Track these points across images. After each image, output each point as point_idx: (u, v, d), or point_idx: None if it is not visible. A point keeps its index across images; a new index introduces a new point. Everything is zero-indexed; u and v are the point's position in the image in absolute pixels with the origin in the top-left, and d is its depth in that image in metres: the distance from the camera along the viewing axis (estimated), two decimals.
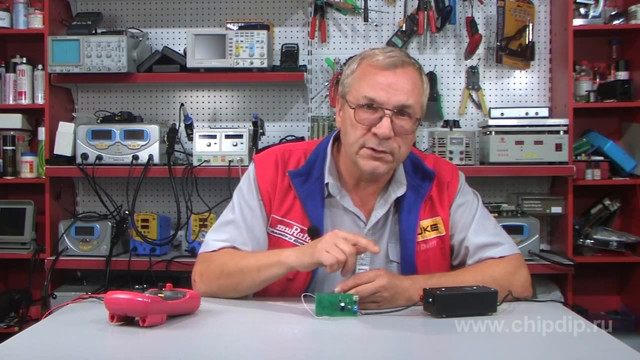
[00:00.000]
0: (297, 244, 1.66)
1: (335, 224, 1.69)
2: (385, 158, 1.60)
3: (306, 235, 1.65)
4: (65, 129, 3.12)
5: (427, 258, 1.68)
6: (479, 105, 3.36)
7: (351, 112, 1.60)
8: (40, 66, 3.28)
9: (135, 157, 3.01)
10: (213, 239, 1.71)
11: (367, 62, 1.62)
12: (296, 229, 1.68)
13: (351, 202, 1.70)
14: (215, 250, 1.68)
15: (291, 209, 1.69)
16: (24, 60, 3.33)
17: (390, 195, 1.69)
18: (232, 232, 1.69)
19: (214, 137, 3.07)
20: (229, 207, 1.76)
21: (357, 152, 1.61)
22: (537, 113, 3.11)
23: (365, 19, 3.30)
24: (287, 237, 1.68)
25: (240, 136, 3.06)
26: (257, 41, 3.05)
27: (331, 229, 1.60)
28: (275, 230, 1.70)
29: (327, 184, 1.68)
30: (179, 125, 3.18)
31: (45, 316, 1.50)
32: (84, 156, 3.03)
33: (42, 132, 3.24)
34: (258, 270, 1.58)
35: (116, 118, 3.16)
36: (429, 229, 1.70)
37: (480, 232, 1.71)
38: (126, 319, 1.38)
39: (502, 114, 3.12)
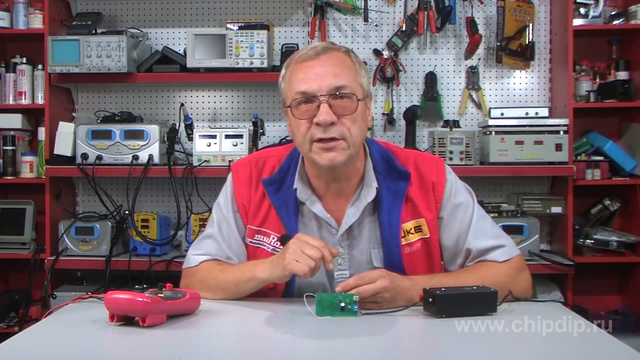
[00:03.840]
0: (275, 252, 1.64)
1: (309, 231, 1.66)
2: (338, 146, 1.56)
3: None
4: (65, 129, 3.12)
5: (413, 261, 1.65)
6: (479, 105, 3.36)
7: (290, 113, 1.60)
8: (40, 66, 3.28)
9: (135, 157, 3.01)
10: (193, 254, 1.74)
11: (293, 62, 1.63)
12: (273, 238, 1.67)
13: (322, 208, 1.66)
14: (196, 265, 1.71)
15: (267, 218, 1.68)
16: (24, 60, 3.33)
17: (362, 200, 1.65)
18: (211, 247, 1.72)
19: (214, 137, 3.07)
20: (209, 221, 1.78)
21: (310, 149, 1.58)
22: (537, 113, 3.11)
23: (365, 19, 3.30)
24: (265, 246, 1.68)
25: (240, 136, 3.06)
26: (257, 41, 3.05)
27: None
28: (253, 241, 1.70)
29: (296, 189, 1.66)
30: (179, 125, 3.17)
31: (45, 316, 1.50)
32: (84, 156, 3.03)
33: (42, 132, 3.24)
34: (235, 285, 1.61)
35: (116, 118, 3.16)
36: (412, 231, 1.65)
37: (480, 235, 1.67)
38: (126, 319, 1.38)
39: (502, 114, 3.12)
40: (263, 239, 1.68)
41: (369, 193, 1.65)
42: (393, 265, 1.63)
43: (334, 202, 1.67)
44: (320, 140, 1.56)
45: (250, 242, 1.71)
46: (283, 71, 1.66)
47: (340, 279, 1.64)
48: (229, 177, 1.76)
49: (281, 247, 1.62)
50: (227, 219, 1.72)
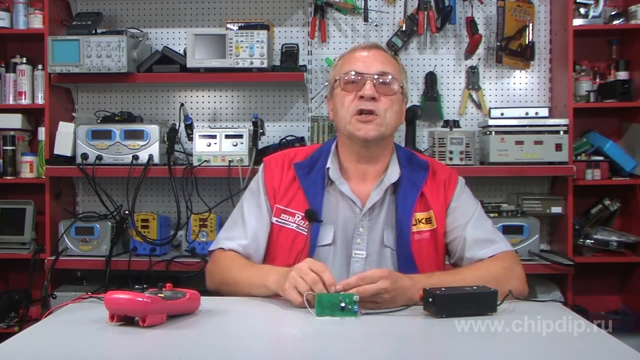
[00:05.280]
0: (299, 230, 1.79)
1: (333, 209, 1.81)
2: (375, 121, 1.75)
3: (307, 222, 1.78)
4: (65, 129, 3.12)
5: (421, 247, 1.78)
6: (479, 105, 3.36)
7: (339, 90, 1.80)
8: (40, 66, 3.28)
9: (135, 157, 3.01)
10: (222, 238, 1.87)
11: (346, 54, 1.87)
12: (298, 217, 1.80)
13: (349, 188, 1.81)
14: (223, 249, 1.83)
15: (294, 199, 1.82)
16: (24, 60, 3.33)
17: (385, 182, 1.81)
18: (238, 231, 1.85)
19: (214, 137, 3.07)
20: (239, 205, 1.92)
21: (350, 121, 1.76)
22: (537, 113, 3.11)
23: (365, 19, 3.30)
24: (289, 225, 1.80)
25: (240, 136, 3.06)
26: (257, 41, 3.05)
27: (328, 215, 1.79)
28: (279, 220, 1.82)
29: (329, 168, 1.82)
30: (179, 125, 3.17)
31: (45, 316, 1.50)
32: (84, 156, 3.03)
33: (42, 132, 3.24)
34: (249, 287, 1.69)
35: (116, 118, 3.16)
36: (423, 221, 1.80)
37: (477, 228, 1.81)
38: (126, 319, 1.38)
39: (502, 114, 3.12)
40: (288, 218, 1.81)
41: (392, 175, 1.81)
42: (403, 247, 1.76)
43: (359, 184, 1.83)
44: (361, 112, 1.74)
45: (277, 221, 1.82)
46: (335, 62, 1.88)
47: (358, 257, 1.77)
48: (260, 167, 1.92)
49: (305, 225, 1.77)
50: (258, 202, 1.86)
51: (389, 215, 1.80)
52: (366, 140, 1.76)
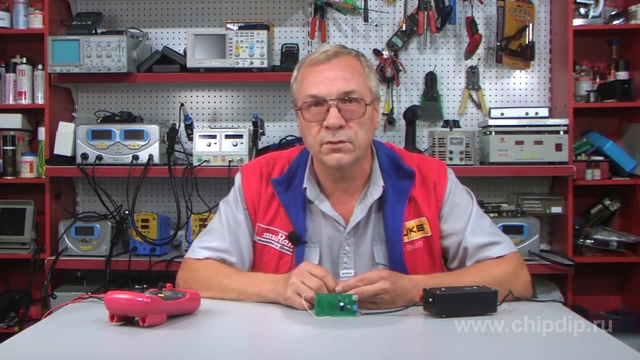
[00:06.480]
0: (283, 250, 1.70)
1: (317, 227, 1.72)
2: (344, 148, 1.61)
3: (291, 243, 1.69)
4: (65, 129, 3.12)
5: (415, 258, 1.69)
6: (479, 105, 3.36)
7: (301, 118, 1.66)
8: (40, 66, 3.28)
9: (135, 157, 3.01)
10: (198, 247, 1.76)
11: (304, 65, 1.68)
12: (281, 236, 1.71)
13: (330, 206, 1.71)
14: (199, 259, 1.73)
15: (276, 217, 1.72)
16: (24, 60, 3.33)
17: (368, 198, 1.70)
18: (217, 241, 1.74)
19: (214, 137, 3.07)
20: (216, 216, 1.81)
21: (319, 150, 1.63)
22: (537, 113, 3.11)
23: (365, 19, 3.30)
24: (273, 244, 1.72)
25: (240, 136, 3.06)
26: (257, 41, 3.05)
27: (313, 235, 1.70)
28: (262, 239, 1.74)
29: (306, 188, 1.71)
30: (179, 125, 3.17)
31: (45, 316, 1.50)
32: (84, 156, 3.03)
33: (42, 132, 3.24)
34: (240, 294, 1.62)
35: (116, 118, 3.16)
36: (414, 229, 1.70)
37: (477, 232, 1.71)
38: (126, 319, 1.38)
39: (502, 114, 3.12)
40: (271, 237, 1.72)
41: (375, 191, 1.70)
42: (395, 262, 1.67)
43: (341, 200, 1.72)
44: (329, 142, 1.61)
45: (259, 240, 1.74)
46: (295, 73, 1.71)
47: (346, 277, 1.67)
48: (238, 177, 1.80)
49: (289, 245, 1.69)
50: (237, 216, 1.76)
51: (376, 230, 1.71)
52: (340, 167, 1.64)
